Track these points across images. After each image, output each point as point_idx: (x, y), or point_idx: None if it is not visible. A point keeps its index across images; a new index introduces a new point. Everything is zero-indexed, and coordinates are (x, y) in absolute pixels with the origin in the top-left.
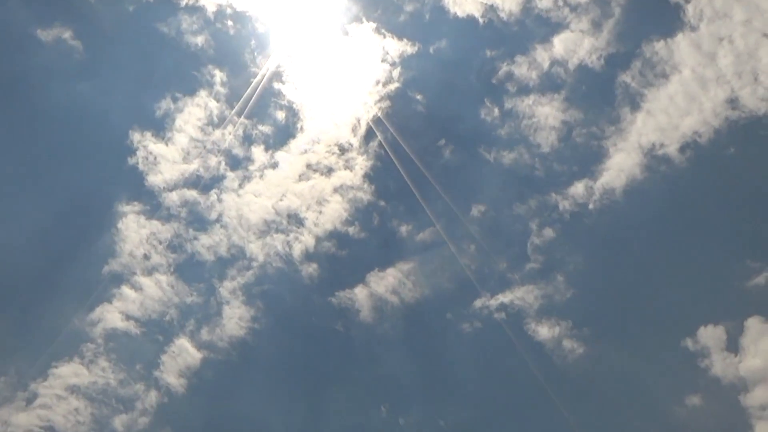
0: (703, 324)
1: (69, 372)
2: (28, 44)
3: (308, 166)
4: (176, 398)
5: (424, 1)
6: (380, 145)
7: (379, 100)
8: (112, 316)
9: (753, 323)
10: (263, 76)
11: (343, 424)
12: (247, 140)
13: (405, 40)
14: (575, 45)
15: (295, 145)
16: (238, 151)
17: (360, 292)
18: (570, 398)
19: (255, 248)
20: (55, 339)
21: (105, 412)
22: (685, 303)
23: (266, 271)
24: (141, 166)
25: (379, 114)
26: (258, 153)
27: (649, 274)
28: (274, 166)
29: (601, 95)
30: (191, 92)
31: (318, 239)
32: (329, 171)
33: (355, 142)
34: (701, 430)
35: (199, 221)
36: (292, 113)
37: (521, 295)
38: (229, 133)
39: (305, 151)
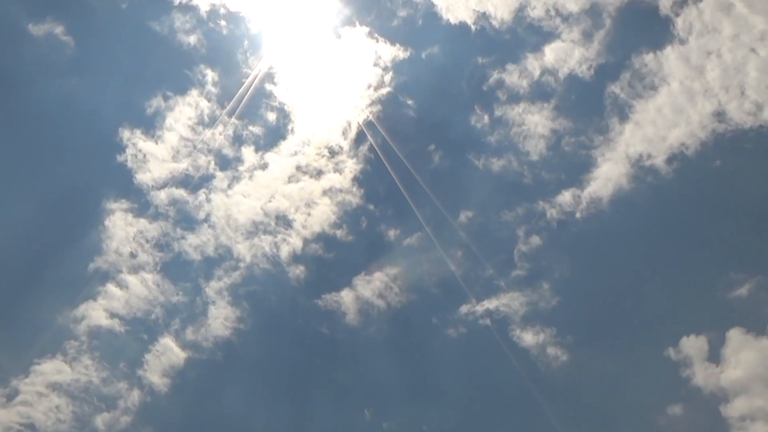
0: (686, 334)
1: (51, 369)
2: (19, 39)
3: (298, 168)
4: (159, 397)
5: (418, 6)
6: (370, 148)
7: (371, 104)
8: (96, 313)
9: (735, 334)
10: (255, 77)
11: (327, 427)
12: (238, 141)
13: (397, 44)
14: (566, 55)
15: (285, 146)
16: (228, 152)
17: (346, 296)
18: (553, 405)
19: (242, 249)
20: (38, 335)
21: (87, 410)
22: (668, 313)
23: (253, 272)
24: (130, 164)
25: (370, 117)
26: (248, 154)
27: (634, 283)
28: (264, 167)
29: (590, 105)
30: (182, 91)
31: (306, 241)
32: (319, 173)
33: (346, 145)
34: None
35: (187, 220)
36: (283, 115)
37: (507, 302)
38: (220, 133)
39: (295, 153)
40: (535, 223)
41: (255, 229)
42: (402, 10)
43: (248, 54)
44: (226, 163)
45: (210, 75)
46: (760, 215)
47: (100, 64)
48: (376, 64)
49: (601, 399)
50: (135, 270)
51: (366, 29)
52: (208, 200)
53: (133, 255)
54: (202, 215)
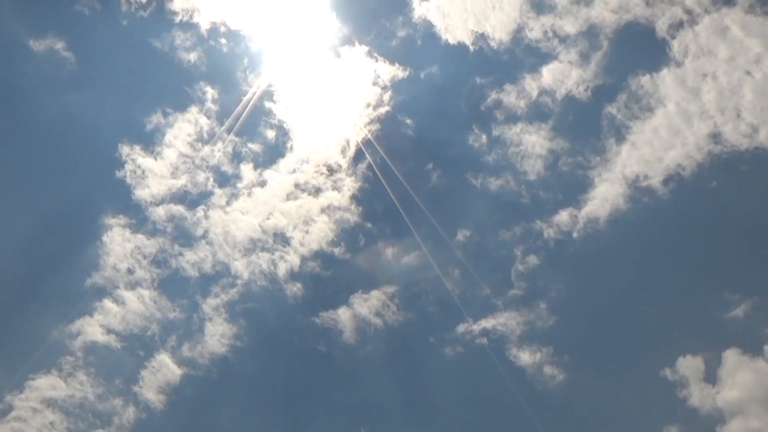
0: (682, 354)
1: (46, 385)
2: (20, 54)
3: (296, 185)
4: (155, 414)
5: (417, 26)
6: (369, 167)
7: (369, 123)
8: (92, 329)
9: (731, 355)
10: (254, 95)
11: None
12: (236, 158)
13: (396, 64)
14: (563, 76)
15: (284, 164)
16: (227, 168)
17: (343, 314)
18: (550, 424)
19: (240, 266)
20: (34, 351)
21: (81, 427)
22: (664, 333)
23: (250, 289)
24: (129, 180)
25: (368, 136)
26: (246, 171)
27: (630, 303)
28: (263, 184)
29: (587, 126)
30: (182, 108)
31: (303, 259)
32: (317, 191)
33: (344, 163)
34: None
35: (184, 237)
36: (282, 132)
37: (504, 321)
38: (219, 150)
39: (294, 171)
40: (532, 242)
41: (253, 246)
42: (401, 30)
43: (248, 72)
44: (224, 180)
45: (210, 92)
46: (756, 236)
47: (100, 81)
48: (375, 83)
49: (597, 419)
50: (132, 286)
51: (365, 48)
52: (207, 217)
53: (130, 271)
54: (200, 232)
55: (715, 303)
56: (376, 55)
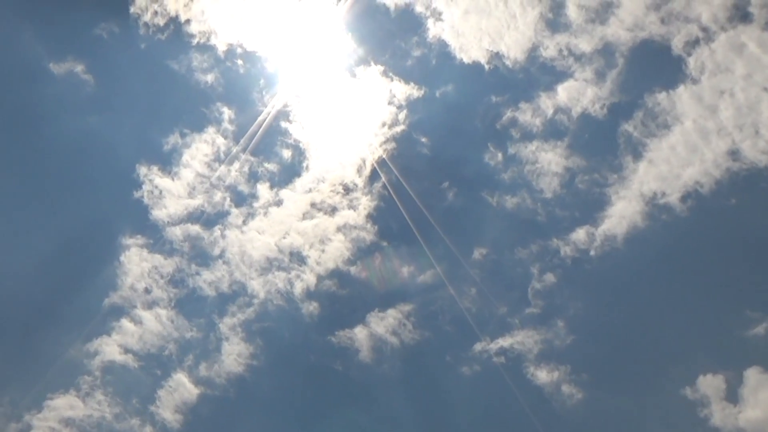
0: (703, 373)
1: (64, 404)
2: (40, 77)
3: (312, 204)
4: None
5: (431, 46)
6: (384, 186)
7: (385, 142)
8: (110, 348)
9: (752, 373)
10: (271, 115)
11: None
12: (253, 177)
13: (412, 83)
14: (579, 94)
15: (300, 183)
16: (244, 188)
17: (360, 332)
18: None
19: (256, 285)
20: (52, 370)
21: None
22: (684, 352)
23: (267, 308)
24: (146, 200)
25: (384, 155)
26: (263, 190)
27: (649, 321)
28: (279, 203)
29: (603, 143)
30: (199, 128)
31: (319, 278)
32: (333, 210)
33: (360, 182)
34: None
35: (201, 256)
36: (298, 152)
37: (521, 340)
38: (235, 170)
39: (310, 190)
40: (549, 260)
41: (269, 266)
42: (416, 49)
43: (264, 92)
44: (241, 199)
45: (226, 113)
46: None
47: (119, 102)
48: (390, 103)
49: None
50: (149, 306)
51: (380, 68)
52: (223, 236)
53: (147, 290)
54: (216, 251)
55: (735, 321)
56: (391, 74)
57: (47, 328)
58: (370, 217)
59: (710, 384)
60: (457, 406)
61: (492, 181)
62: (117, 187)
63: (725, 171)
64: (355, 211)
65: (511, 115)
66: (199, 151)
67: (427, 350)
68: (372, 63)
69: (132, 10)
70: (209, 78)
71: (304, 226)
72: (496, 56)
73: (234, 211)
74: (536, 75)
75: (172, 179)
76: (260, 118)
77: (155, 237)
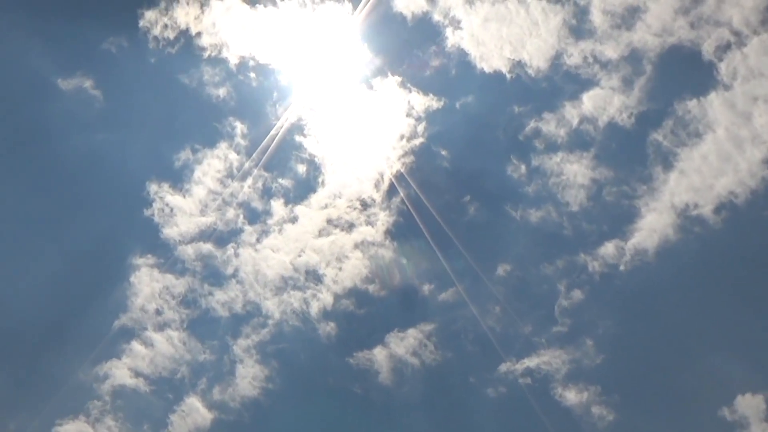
0: (742, 393)
1: (73, 430)
2: (48, 93)
3: (329, 221)
4: None
5: (451, 56)
6: (403, 201)
7: (403, 155)
8: (120, 372)
9: None
10: (284, 129)
11: None
12: (267, 194)
13: (431, 95)
14: (605, 102)
15: (315, 199)
16: (257, 205)
17: (379, 353)
18: None
19: (271, 305)
20: (61, 395)
21: None
22: (721, 370)
23: (282, 329)
24: (157, 218)
25: (402, 169)
26: (277, 207)
27: (684, 339)
28: (294, 220)
29: (632, 154)
30: (211, 144)
31: (337, 297)
32: (350, 227)
33: (378, 197)
34: None
35: (214, 276)
36: (314, 167)
37: (548, 360)
38: (248, 186)
39: (326, 206)
40: (576, 276)
41: (284, 285)
42: (435, 59)
43: (278, 105)
44: (254, 216)
45: (239, 127)
46: None
47: (128, 118)
48: (408, 115)
49: None
50: (161, 327)
51: (398, 79)
52: (236, 255)
53: (158, 312)
54: (230, 270)
55: None
56: (409, 85)
57: (55, 350)
58: (389, 233)
59: (749, 404)
60: (482, 430)
61: (515, 194)
62: (127, 205)
63: (760, 180)
64: (373, 227)
65: (534, 126)
66: (211, 167)
67: (449, 371)
68: (389, 74)
69: (141, 23)
70: (221, 92)
71: (320, 244)
72: (518, 65)
73: (247, 228)
74: (560, 83)
75: (184, 196)
76: (273, 132)
77: (166, 256)
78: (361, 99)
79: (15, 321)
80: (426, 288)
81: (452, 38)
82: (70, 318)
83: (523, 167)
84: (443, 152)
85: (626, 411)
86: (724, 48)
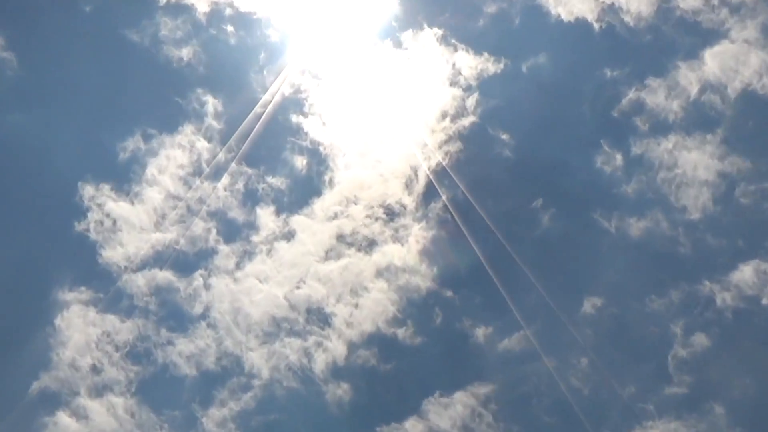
0: None
1: None
2: None
3: (339, 237)
4: None
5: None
6: (445, 207)
7: (446, 142)
8: None
9: None
10: (276, 106)
11: None
12: (250, 198)
13: (485, 54)
14: (737, 62)
15: (320, 206)
16: (236, 215)
17: (414, 428)
18: None
19: (257, 358)
20: None
21: None
22: None
23: (273, 392)
24: (93, 235)
25: (444, 162)
26: (265, 217)
27: None
28: (289, 236)
29: None
30: (171, 127)
31: (352, 346)
32: (370, 245)
33: (410, 202)
34: None
35: (175, 317)
36: (318, 159)
37: None
38: (224, 188)
39: (335, 216)
40: (699, 314)
41: (276, 329)
42: (491, 3)
43: (266, 72)
44: (233, 231)
45: (211, 103)
46: None
47: (53, 91)
48: (453, 83)
49: None
50: (99, 392)
51: (438, 32)
52: (207, 287)
53: (96, 369)
54: (197, 309)
55: None
56: (454, 41)
57: None
58: (426, 254)
59: None
60: None
61: (608, 196)
62: (51, 215)
63: None
64: (402, 245)
65: (634, 98)
66: (171, 160)
67: None
68: (426, 25)
69: None
70: (185, 53)
71: (327, 270)
72: (611, 10)
73: (222, 249)
74: (671, 36)
75: (131, 203)
76: (259, 110)
77: (106, 289)
78: (385, 61)
79: None
80: (480, 333)
81: None
82: None
83: (618, 157)
84: (503, 136)
85: None
86: None
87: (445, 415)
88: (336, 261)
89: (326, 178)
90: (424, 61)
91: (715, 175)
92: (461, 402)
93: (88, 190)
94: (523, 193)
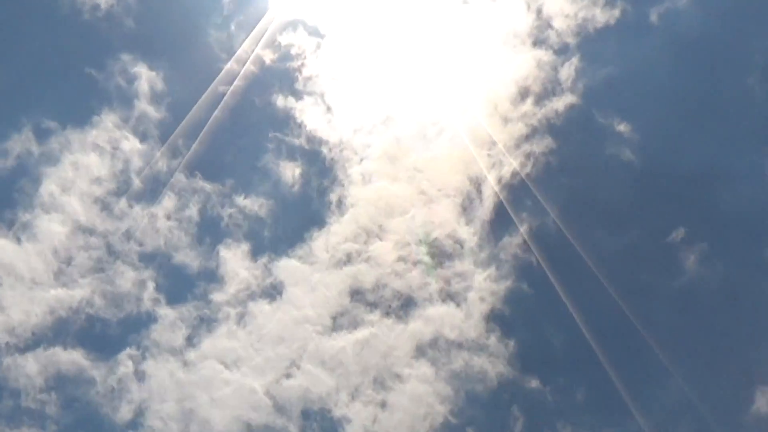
0: None
1: None
2: None
3: (354, 293)
4: None
5: None
6: (525, 245)
7: (527, 138)
8: None
9: None
10: (249, 80)
11: None
12: (210, 232)
13: (584, 7)
14: None
15: (322, 243)
16: (187, 258)
17: None
18: None
19: None
20: None
21: None
22: None
23: None
24: None
25: (523, 172)
26: (234, 262)
27: None
28: (273, 293)
29: None
30: (80, 119)
31: None
32: (405, 306)
33: (469, 236)
34: None
35: (92, 424)
36: (318, 168)
37: None
38: (167, 216)
39: (347, 259)
40: None
41: None
42: None
43: (233, 27)
44: (182, 285)
45: (145, 78)
46: None
47: None
48: (538, 42)
49: None
50: None
51: None
52: (140, 376)
53: None
54: (124, 414)
55: None
56: None
57: None
58: (496, 320)
59: None
60: None
61: None
62: None
63: None
64: (458, 305)
65: None
66: (81, 171)
67: None
68: None
69: None
70: (103, 1)
71: (334, 347)
72: None
73: (165, 313)
74: None
75: (16, 240)
76: (222, 89)
77: None
78: (425, 8)
79: None
80: None
81: None
82: None
83: None
84: (620, 128)
85: None
86: None
87: None
88: (349, 332)
89: (333, 197)
90: (490, 8)
91: None
92: None
93: None
94: (653, 220)
